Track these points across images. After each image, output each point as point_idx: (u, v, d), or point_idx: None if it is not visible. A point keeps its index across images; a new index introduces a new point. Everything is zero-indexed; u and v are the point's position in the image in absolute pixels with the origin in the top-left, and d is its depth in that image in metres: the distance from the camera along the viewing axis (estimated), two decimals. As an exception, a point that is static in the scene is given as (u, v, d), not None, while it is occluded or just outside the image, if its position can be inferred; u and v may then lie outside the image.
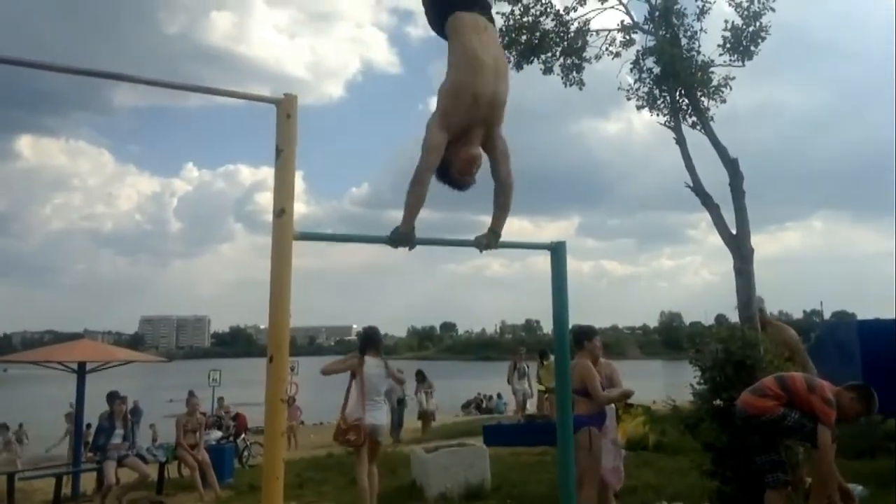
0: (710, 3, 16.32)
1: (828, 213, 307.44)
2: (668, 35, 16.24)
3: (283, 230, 2.99)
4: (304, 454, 13.81)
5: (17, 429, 18.99)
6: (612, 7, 17.34)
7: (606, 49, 17.58)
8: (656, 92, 16.69)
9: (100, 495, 9.53)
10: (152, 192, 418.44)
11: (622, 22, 17.49)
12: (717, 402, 6.15)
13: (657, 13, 16.47)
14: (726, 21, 16.17)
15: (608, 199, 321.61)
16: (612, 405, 6.56)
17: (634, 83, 17.08)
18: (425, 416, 18.55)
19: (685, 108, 16.44)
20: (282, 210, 3.00)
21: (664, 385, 22.22)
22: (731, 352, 6.23)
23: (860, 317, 15.16)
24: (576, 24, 17.22)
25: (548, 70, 17.50)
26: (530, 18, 16.95)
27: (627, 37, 17.54)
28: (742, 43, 16.00)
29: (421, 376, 19.37)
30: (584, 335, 6.36)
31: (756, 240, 15.45)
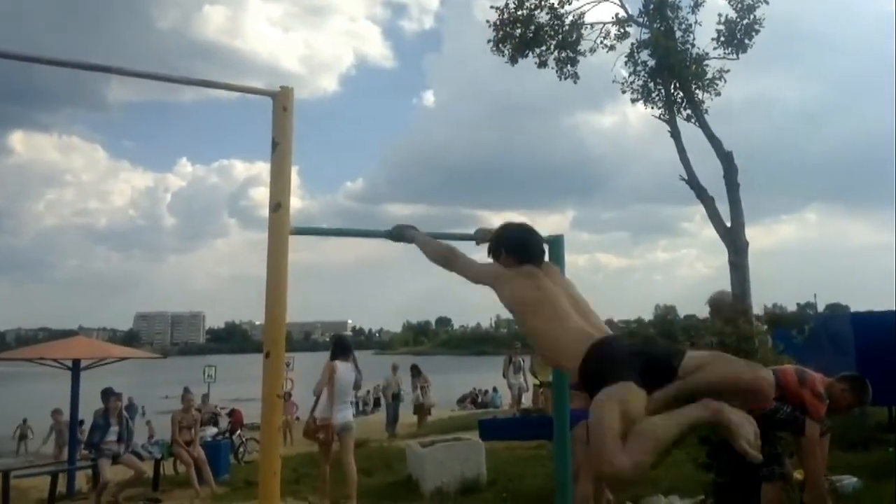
0: (704, -4, 16.33)
1: (821, 206, 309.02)
2: (662, 28, 16.22)
3: (280, 225, 2.98)
4: (300, 450, 13.79)
5: (21, 424, 18.98)
6: (607, 0, 17.34)
7: (601, 42, 17.54)
8: (651, 85, 16.68)
9: (95, 493, 9.51)
10: (146, 187, 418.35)
11: (617, 15, 17.44)
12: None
13: (652, 6, 16.44)
14: (720, 14, 16.16)
15: (603, 192, 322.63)
16: None
17: (629, 76, 17.06)
18: (421, 410, 18.56)
19: (680, 101, 16.44)
20: (278, 204, 2.98)
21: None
22: (726, 344, 6.24)
23: (854, 309, 15.23)
24: (570, 18, 17.18)
25: (542, 64, 17.47)
26: (525, 12, 16.91)
27: (622, 30, 17.49)
28: (736, 36, 16.00)
29: (416, 371, 19.38)
30: None
31: (750, 233, 15.46)
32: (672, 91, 16.46)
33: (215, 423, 16.62)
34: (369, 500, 8.31)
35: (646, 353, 2.53)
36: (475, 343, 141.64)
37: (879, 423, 9.33)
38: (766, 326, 7.89)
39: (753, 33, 16.02)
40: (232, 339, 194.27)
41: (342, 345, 8.42)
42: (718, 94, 16.42)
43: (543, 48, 17.30)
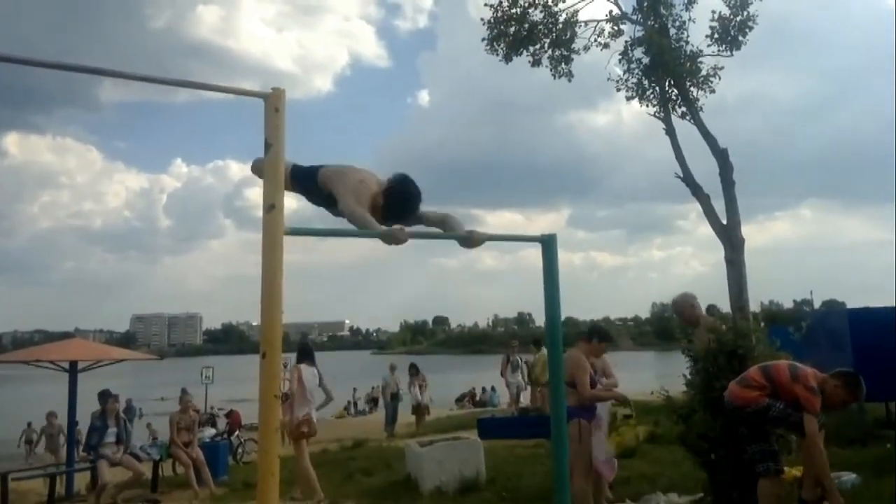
0: (697, -8, 16.36)
1: (816, 202, 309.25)
2: (656, 25, 16.27)
3: (274, 225, 2.97)
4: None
5: (26, 429, 18.91)
6: (601, -2, 17.37)
7: (595, 40, 17.61)
8: (645, 82, 16.74)
9: (94, 494, 9.50)
10: (141, 188, 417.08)
11: (610, 12, 17.53)
12: (710, 392, 6.16)
13: (645, 3, 16.49)
14: (714, 11, 16.24)
15: (598, 190, 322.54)
16: (608, 404, 6.61)
17: (623, 74, 17.13)
18: (419, 410, 18.56)
19: (674, 98, 16.50)
20: (272, 205, 2.98)
21: (656, 376, 22.33)
22: (723, 342, 6.25)
23: (850, 305, 15.25)
24: (564, 16, 17.22)
25: (536, 62, 17.51)
26: (518, 10, 16.94)
27: (616, 27, 17.57)
28: (730, 33, 16.06)
29: (414, 370, 19.36)
30: (599, 335, 6.55)
31: (746, 230, 15.55)
32: (667, 88, 16.50)
33: (213, 424, 16.62)
34: (369, 500, 8.32)
35: None
36: (472, 342, 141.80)
37: (877, 419, 9.33)
38: (762, 323, 7.88)
39: (747, 30, 16.09)
40: (229, 340, 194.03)
41: (307, 350, 9.04)
42: (713, 91, 16.49)
43: (537, 46, 17.34)
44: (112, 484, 9.44)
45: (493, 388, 29.40)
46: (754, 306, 14.76)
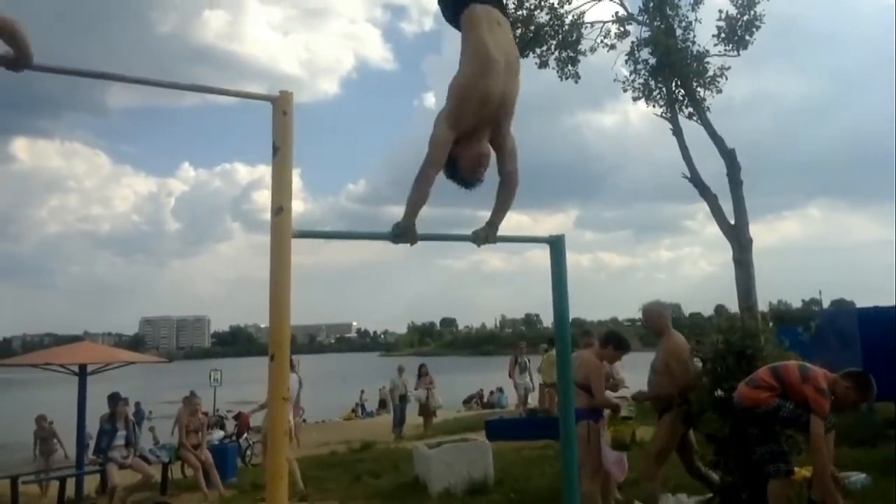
0: (704, -8, 16.32)
1: (825, 202, 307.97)
2: (662, 26, 16.23)
3: (282, 228, 2.99)
4: (306, 452, 13.81)
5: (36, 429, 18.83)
6: (607, -1, 17.33)
7: (601, 41, 17.58)
8: (652, 83, 16.70)
9: (105, 497, 9.54)
10: (149, 192, 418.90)
11: (616, 13, 17.50)
12: (719, 392, 6.15)
13: (652, 4, 16.46)
14: (720, 11, 16.20)
15: (605, 191, 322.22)
16: None
17: (630, 75, 17.10)
18: (427, 412, 18.52)
19: (681, 98, 16.46)
20: (280, 208, 2.99)
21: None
22: (732, 342, 6.23)
23: (859, 304, 15.18)
24: (570, 17, 17.20)
25: (543, 64, 17.49)
26: (524, 12, 16.93)
27: (622, 28, 17.53)
28: (737, 32, 16.01)
29: (422, 370, 19.26)
30: (616, 342, 6.48)
31: (754, 229, 15.50)
32: (673, 89, 16.46)
33: (222, 427, 16.64)
34: (377, 502, 8.33)
35: None
36: (480, 343, 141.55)
37: (886, 419, 9.29)
38: (771, 323, 7.85)
39: (754, 29, 16.02)
40: (237, 343, 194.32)
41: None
42: (720, 91, 16.43)
43: (544, 48, 17.32)
44: (121, 486, 9.47)
45: (500, 390, 29.35)
46: (763, 306, 14.73)
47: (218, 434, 16.23)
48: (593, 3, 17.34)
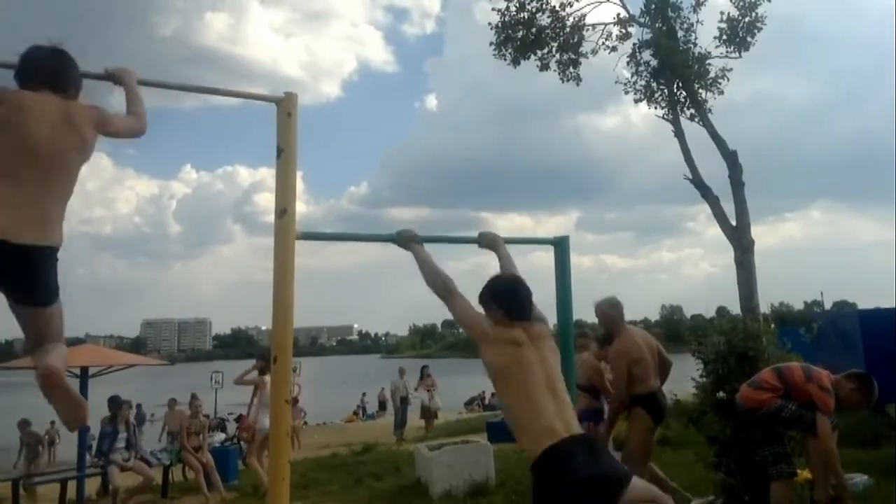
0: (705, -6, 16.34)
1: (826, 204, 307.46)
2: (664, 28, 16.24)
3: (286, 230, 2.98)
4: (308, 454, 13.81)
5: (49, 427, 18.75)
6: (608, 1, 17.37)
7: (603, 43, 17.61)
8: (654, 85, 16.72)
9: (106, 500, 9.53)
10: (151, 194, 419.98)
11: (618, 15, 17.52)
12: (721, 394, 6.14)
13: (653, 6, 16.47)
14: (722, 13, 16.22)
15: (606, 193, 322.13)
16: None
17: (631, 77, 17.11)
18: (428, 413, 18.50)
19: (683, 100, 16.47)
20: (284, 210, 2.99)
21: (666, 378, 22.22)
22: (734, 344, 6.22)
23: (861, 306, 15.18)
24: (572, 20, 17.23)
25: (544, 66, 17.51)
26: (526, 14, 16.95)
27: (623, 30, 17.56)
28: (738, 34, 16.02)
29: (424, 372, 19.22)
30: None
31: (755, 231, 15.52)
32: (675, 91, 16.48)
33: (223, 429, 16.62)
34: (379, 504, 8.32)
35: (591, 482, 2.75)
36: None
37: (889, 420, 9.28)
38: (773, 325, 7.84)
39: (756, 31, 16.04)
40: (238, 345, 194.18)
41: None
42: (721, 92, 16.44)
43: (545, 51, 17.35)
44: (123, 489, 9.47)
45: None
46: (764, 308, 14.72)
47: (219, 436, 16.21)
48: (595, 5, 17.38)
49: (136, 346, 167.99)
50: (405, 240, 3.33)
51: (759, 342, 6.25)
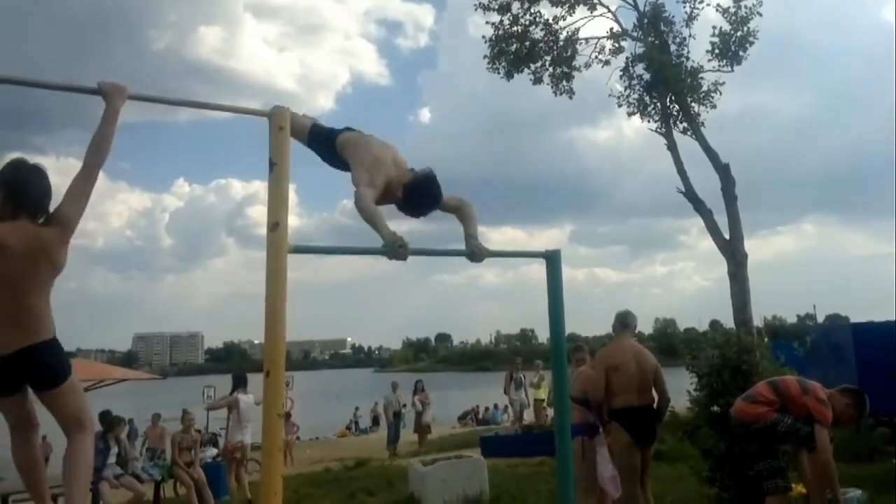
0: (697, 9, 16.48)
1: (819, 217, 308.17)
2: (656, 42, 16.35)
3: (278, 244, 2.97)
4: (301, 469, 13.72)
5: (41, 442, 18.60)
6: (601, 15, 17.48)
7: (596, 57, 17.71)
8: (647, 98, 16.80)
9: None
10: (143, 207, 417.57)
11: (611, 30, 17.63)
12: (715, 408, 6.14)
13: (646, 20, 16.59)
14: (714, 27, 16.32)
15: (599, 206, 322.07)
16: None
17: (624, 90, 17.20)
18: (421, 428, 18.44)
19: (676, 114, 16.55)
20: (276, 223, 2.98)
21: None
22: (728, 357, 6.23)
23: (853, 319, 15.20)
24: (565, 33, 17.33)
25: (537, 80, 17.59)
26: (519, 28, 17.04)
27: (616, 44, 17.66)
28: (730, 48, 16.12)
29: (418, 386, 19.19)
30: None
31: (748, 244, 15.57)
32: (668, 104, 16.56)
33: (215, 444, 16.49)
34: (371, 520, 8.27)
35: None
36: (475, 359, 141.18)
37: (883, 434, 9.28)
38: (766, 338, 7.85)
39: (748, 45, 16.14)
40: (231, 359, 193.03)
41: (243, 378, 10.04)
42: (714, 106, 16.52)
43: (538, 64, 17.43)
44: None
45: (495, 406, 29.29)
46: (757, 321, 14.72)
47: (211, 451, 16.08)
48: (588, 19, 17.48)
49: (128, 360, 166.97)
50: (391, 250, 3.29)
51: (752, 356, 6.26)
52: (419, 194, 3.63)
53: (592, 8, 17.23)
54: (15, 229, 3.08)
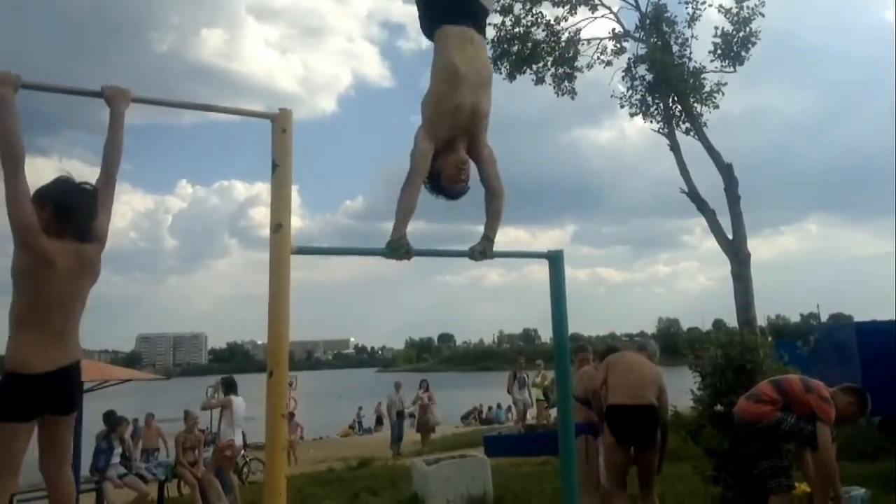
0: (700, 10, 16.46)
1: (822, 216, 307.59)
2: (659, 42, 16.34)
3: (281, 245, 2.99)
4: (304, 469, 13.73)
5: None
6: (603, 16, 17.47)
7: (598, 58, 17.70)
8: (649, 99, 16.79)
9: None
10: (146, 209, 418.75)
11: (613, 30, 17.62)
12: (718, 407, 6.14)
13: (648, 21, 16.58)
14: (716, 27, 16.30)
15: (602, 206, 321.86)
16: None
17: (627, 91, 17.19)
18: (425, 427, 18.44)
19: (678, 114, 16.54)
20: (279, 225, 2.99)
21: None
22: (731, 357, 6.23)
23: (857, 319, 15.20)
24: (567, 34, 17.33)
25: (540, 80, 17.59)
26: (521, 29, 17.04)
27: (619, 45, 17.65)
28: (733, 49, 16.11)
29: (422, 385, 19.17)
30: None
31: (751, 244, 15.56)
32: (670, 105, 16.55)
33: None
34: (375, 520, 8.28)
35: None
36: (478, 359, 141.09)
37: (887, 434, 9.28)
38: (770, 338, 7.86)
39: (750, 45, 16.13)
40: (234, 360, 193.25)
41: (233, 384, 10.42)
42: (717, 106, 16.51)
43: (541, 65, 17.43)
44: (118, 505, 9.44)
45: (498, 405, 29.29)
46: (761, 321, 14.74)
47: (215, 451, 16.09)
48: (590, 20, 17.48)
49: (132, 360, 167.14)
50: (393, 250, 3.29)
51: (756, 355, 6.26)
52: (449, 194, 3.59)
53: (594, 9, 17.23)
54: (62, 248, 3.14)
